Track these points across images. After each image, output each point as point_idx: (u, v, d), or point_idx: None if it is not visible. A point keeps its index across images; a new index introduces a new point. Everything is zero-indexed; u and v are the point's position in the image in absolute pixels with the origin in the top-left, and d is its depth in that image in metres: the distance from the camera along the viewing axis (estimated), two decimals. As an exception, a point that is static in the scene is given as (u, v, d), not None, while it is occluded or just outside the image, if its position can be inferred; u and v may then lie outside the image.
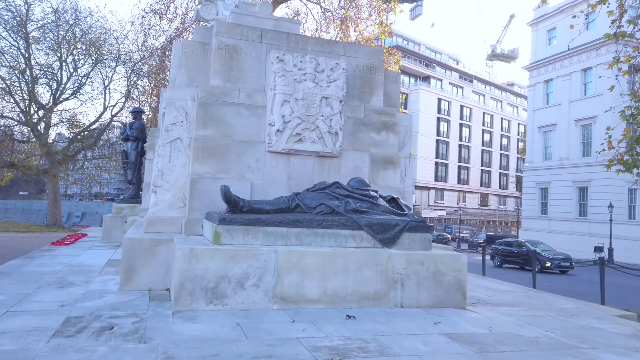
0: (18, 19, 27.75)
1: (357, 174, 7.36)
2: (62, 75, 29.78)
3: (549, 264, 23.14)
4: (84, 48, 29.45)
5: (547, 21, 40.73)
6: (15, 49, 28.40)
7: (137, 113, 15.39)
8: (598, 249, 31.29)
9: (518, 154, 78.50)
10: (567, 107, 37.57)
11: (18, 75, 28.23)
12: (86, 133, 31.54)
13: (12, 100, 28.31)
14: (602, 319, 6.23)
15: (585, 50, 35.79)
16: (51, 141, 31.38)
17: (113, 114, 30.98)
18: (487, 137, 76.33)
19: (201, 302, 5.30)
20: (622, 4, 8.92)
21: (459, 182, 72.08)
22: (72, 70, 30.03)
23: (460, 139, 72.18)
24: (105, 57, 30.30)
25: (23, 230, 24.53)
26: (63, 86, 29.92)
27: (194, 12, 15.97)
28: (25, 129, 31.09)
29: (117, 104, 31.50)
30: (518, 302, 7.20)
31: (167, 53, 26.31)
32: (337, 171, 7.41)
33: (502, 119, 79.44)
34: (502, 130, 78.87)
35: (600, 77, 19.81)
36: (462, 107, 72.82)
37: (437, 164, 68.40)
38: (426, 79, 72.78)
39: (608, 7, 9.16)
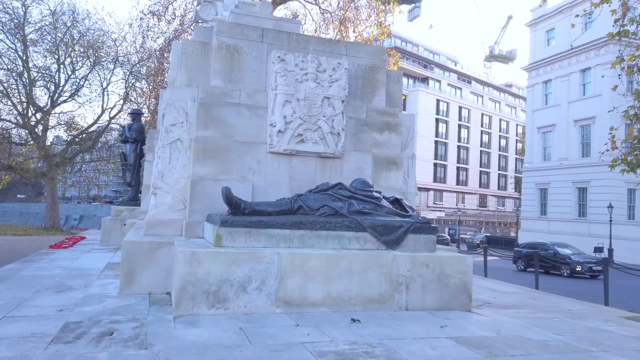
0: (15, 21, 27.62)
1: (359, 174, 7.27)
2: (59, 77, 29.68)
3: (579, 268, 21.93)
4: (82, 50, 29.33)
5: (546, 22, 40.73)
6: (13, 51, 28.29)
7: (136, 114, 15.26)
8: (598, 249, 31.27)
9: (516, 154, 78.52)
10: (566, 108, 37.54)
11: (15, 78, 28.10)
12: (84, 135, 31.38)
13: (9, 103, 28.17)
14: (610, 321, 6.14)
15: (584, 51, 35.79)
16: (49, 143, 31.22)
17: (111, 116, 30.86)
18: (485, 137, 76.33)
19: (202, 306, 5.19)
20: (625, 3, 8.84)
21: (458, 183, 72.04)
22: (69, 72, 29.92)
23: (459, 140, 72.17)
24: (103, 59, 30.20)
25: (20, 233, 24.38)
26: (61, 88, 29.80)
27: (192, 13, 15.88)
28: (23, 131, 30.93)
29: (115, 105, 31.39)
30: (523, 303, 7.11)
31: (165, 54, 26.19)
32: (339, 172, 7.31)
33: (500, 119, 79.47)
34: (500, 131, 78.89)
35: (603, 77, 19.71)
36: (460, 108, 72.82)
37: (435, 164, 68.35)
38: (424, 80, 72.77)
39: (609, 5, 9.09)
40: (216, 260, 5.27)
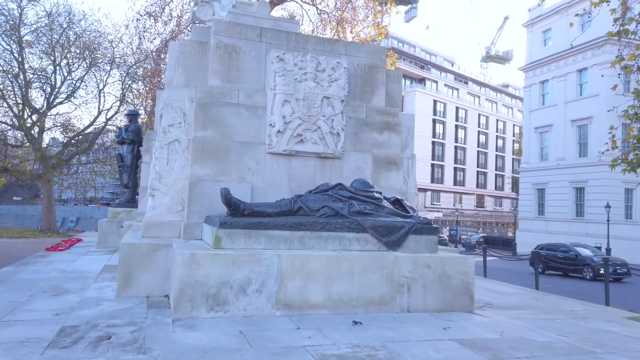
0: (11, 22, 27.44)
1: (359, 175, 7.20)
2: (55, 78, 29.47)
3: (603, 270, 20.93)
4: (78, 51, 29.14)
5: (542, 22, 40.77)
6: (8, 52, 28.09)
7: (133, 115, 15.17)
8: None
9: (513, 154, 78.63)
10: (563, 108, 37.57)
11: (11, 79, 27.90)
12: (80, 137, 31.18)
13: (5, 104, 27.96)
14: (613, 322, 6.09)
15: (581, 51, 35.83)
16: (45, 145, 31.05)
17: (107, 117, 30.67)
18: (482, 138, 76.41)
19: (202, 308, 5.11)
20: (625, 2, 8.80)
21: (455, 184, 72.06)
22: (65, 74, 29.72)
23: (456, 140, 72.21)
24: (100, 61, 30.00)
25: (17, 235, 24.19)
26: (57, 90, 29.60)
27: (189, 13, 15.77)
28: (19, 133, 30.73)
29: (111, 107, 31.18)
30: (525, 304, 7.05)
31: (162, 56, 26.06)
32: (339, 172, 7.24)
33: (497, 120, 79.59)
34: (497, 131, 78.99)
35: (602, 76, 19.66)
36: (457, 108, 72.88)
37: (432, 165, 68.36)
38: (421, 80, 72.80)
39: (608, 4, 9.04)
40: (215, 262, 5.19)
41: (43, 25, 28.79)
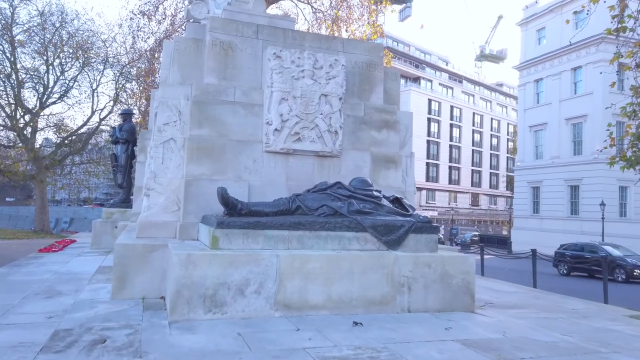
0: (3, 22, 27.14)
1: (357, 173, 7.11)
2: (48, 78, 29.17)
3: (637, 272, 19.57)
4: (71, 51, 28.86)
5: (536, 21, 40.85)
6: (0, 52, 27.79)
7: (127, 114, 14.98)
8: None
9: (508, 153, 78.81)
10: (557, 106, 37.65)
11: (3, 79, 27.59)
12: (74, 137, 30.90)
13: (-3, 105, 27.67)
14: (615, 320, 6.02)
15: (575, 49, 35.88)
16: (38, 146, 30.76)
17: (101, 117, 30.41)
18: (477, 137, 76.55)
19: (199, 310, 5.00)
20: (623, -1, 8.76)
21: (450, 182, 72.18)
22: (58, 74, 29.42)
23: (451, 139, 72.31)
24: (93, 60, 29.73)
25: (9, 236, 23.93)
26: (49, 90, 29.30)
27: (184, 11, 15.62)
28: (11, 133, 30.41)
29: (105, 107, 30.96)
30: (526, 303, 6.98)
31: (156, 55, 25.88)
32: (337, 171, 7.15)
33: (492, 118, 79.75)
34: (491, 130, 79.16)
35: (601, 73, 19.66)
36: (452, 107, 72.97)
37: (427, 164, 68.41)
38: (416, 79, 72.85)
39: (605, 1, 8.99)
40: (213, 262, 5.08)
41: (35, 24, 28.50)
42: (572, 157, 36.29)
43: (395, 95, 8.22)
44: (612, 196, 33.67)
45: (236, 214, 5.78)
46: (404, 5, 71.97)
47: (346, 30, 23.44)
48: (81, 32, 29.78)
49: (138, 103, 28.56)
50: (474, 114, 76.47)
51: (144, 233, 6.48)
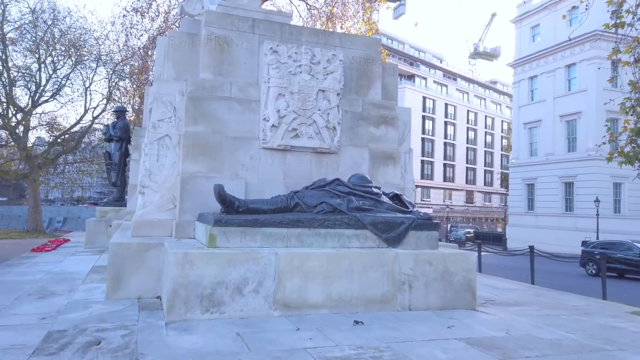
0: (-7, 19, 26.82)
1: (356, 170, 7.01)
2: (40, 76, 28.85)
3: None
4: (63, 49, 28.56)
5: (531, 18, 40.88)
6: (-9, 50, 27.45)
7: (120, 112, 14.81)
8: (585, 244, 31.42)
9: (502, 150, 79.02)
10: (552, 103, 37.71)
11: (-6, 78, 27.28)
12: (66, 136, 30.61)
13: (-12, 103, 27.34)
14: (617, 317, 5.96)
15: (569, 46, 35.94)
16: (30, 145, 30.44)
17: (94, 115, 30.14)
18: (471, 134, 76.66)
19: (196, 310, 4.89)
20: (622, -7, 8.71)
21: (445, 180, 72.26)
22: (50, 72, 29.11)
23: (445, 137, 72.37)
24: (85, 58, 29.44)
25: (2, 236, 23.67)
26: (42, 88, 28.99)
27: (178, 7, 15.45)
28: (3, 132, 30.08)
29: (98, 105, 30.77)
30: (527, 300, 6.91)
31: (149, 52, 25.67)
32: (336, 168, 7.04)
33: (486, 116, 79.89)
34: (485, 128, 79.30)
35: (599, 68, 19.65)
36: (446, 105, 73.01)
37: (422, 161, 68.45)
38: (410, 77, 72.83)
39: (603, -3, 8.94)
40: (210, 261, 4.97)
41: (27, 22, 28.17)
42: (566, 154, 36.38)
43: (393, 91, 8.13)
44: (606, 193, 33.78)
45: (233, 211, 5.67)
46: (398, 3, 71.86)
47: (341, 28, 23.34)
48: (73, 30, 29.49)
49: (131, 101, 28.33)
50: (468, 111, 76.56)
51: (139, 232, 6.35)
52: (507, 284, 8.81)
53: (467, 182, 75.79)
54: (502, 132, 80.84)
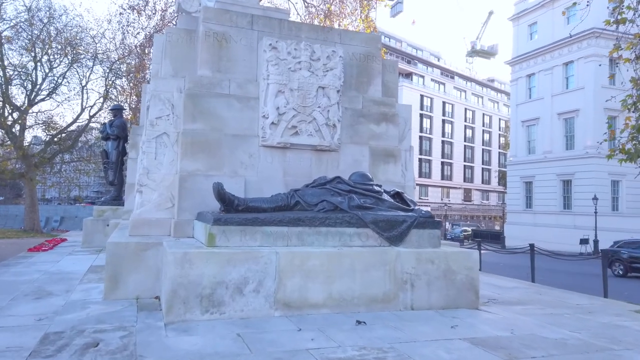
0: (-12, 17, 26.64)
1: (356, 168, 6.93)
2: (36, 75, 28.66)
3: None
4: (59, 47, 28.39)
5: (528, 15, 40.84)
6: (-13, 48, 27.26)
7: (117, 110, 14.69)
8: (583, 241, 31.45)
9: (500, 148, 79.05)
10: (550, 101, 37.69)
11: (-10, 76, 27.09)
12: (63, 135, 30.45)
13: (-16, 102, 27.15)
14: (621, 315, 5.91)
15: (567, 44, 35.91)
16: (27, 144, 30.24)
17: (91, 114, 29.98)
18: (469, 132, 76.67)
19: (196, 310, 4.81)
20: (623, -11, 8.64)
21: (443, 178, 72.25)
22: (47, 70, 28.94)
23: (443, 135, 72.36)
24: (82, 56, 29.28)
25: (-1, 236, 23.53)
26: (38, 87, 28.81)
27: (175, 5, 15.35)
28: (-1, 131, 29.91)
29: (94, 104, 30.49)
30: (529, 299, 6.85)
31: (146, 50, 25.55)
32: (336, 165, 6.96)
33: (484, 114, 79.91)
34: (483, 126, 79.32)
35: (600, 65, 19.61)
36: (444, 103, 72.99)
37: (420, 160, 68.41)
38: (408, 75, 72.75)
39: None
40: (210, 261, 4.89)
41: (23, 20, 27.99)
42: (564, 152, 36.37)
43: (393, 88, 8.06)
44: (604, 190, 33.79)
45: (233, 210, 5.59)
46: (396, 0, 71.77)
47: (339, 25, 23.20)
48: (70, 28, 29.33)
49: (128, 100, 28.19)
50: (465, 109, 76.56)
51: (137, 231, 6.26)
52: (508, 282, 8.75)
53: (464, 181, 75.81)
54: (499, 130, 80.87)
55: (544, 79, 38.57)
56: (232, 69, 6.79)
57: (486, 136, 79.77)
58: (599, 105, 33.60)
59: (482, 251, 14.69)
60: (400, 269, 5.53)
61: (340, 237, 5.61)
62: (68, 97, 45.22)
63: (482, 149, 78.76)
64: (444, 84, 77.24)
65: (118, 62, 28.99)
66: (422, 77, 74.38)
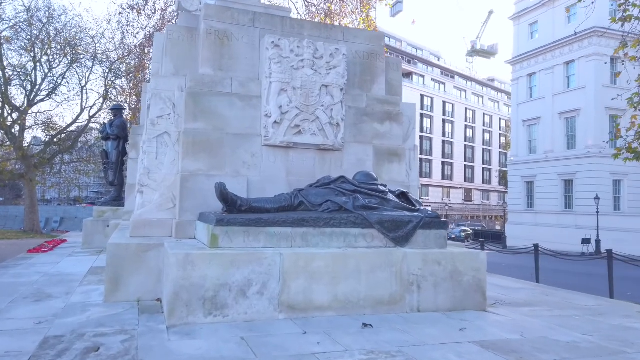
0: (-13, 18, 26.53)
1: (360, 167, 6.82)
2: (36, 75, 28.57)
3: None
4: (59, 47, 28.30)
5: (529, 15, 40.74)
6: (-14, 49, 27.14)
7: (117, 110, 14.58)
8: (585, 241, 31.34)
9: (500, 148, 79.00)
10: (551, 100, 37.59)
11: (-11, 77, 26.98)
12: (63, 135, 30.35)
13: (-17, 103, 27.04)
14: (630, 317, 5.80)
15: (568, 43, 35.84)
16: (26, 144, 30.14)
17: (90, 115, 29.89)
18: (469, 132, 76.64)
19: (199, 313, 4.70)
20: (629, -14, 8.54)
21: (443, 178, 72.21)
22: (46, 71, 28.85)
23: (443, 135, 72.33)
24: (81, 57, 29.19)
25: (-2, 237, 23.42)
26: (37, 87, 28.72)
27: (175, 4, 15.25)
28: (-1, 132, 29.79)
29: (94, 104, 30.39)
30: (536, 300, 6.74)
31: (145, 50, 25.45)
32: (339, 165, 6.86)
33: (484, 114, 79.88)
34: (483, 125, 79.29)
35: (605, 63, 19.51)
36: (444, 102, 72.97)
37: (421, 160, 68.30)
38: (408, 75, 72.65)
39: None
40: (213, 262, 4.78)
41: (22, 20, 27.90)
42: (565, 152, 36.27)
43: (397, 86, 7.95)
44: (606, 190, 33.67)
45: (236, 210, 5.49)
46: (396, 0, 71.66)
47: (339, 25, 23.14)
48: (69, 28, 29.25)
49: (128, 100, 28.10)
50: (466, 109, 76.54)
51: (138, 232, 6.16)
52: (514, 283, 8.64)
53: (465, 180, 75.77)
54: (500, 129, 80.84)
55: (545, 78, 38.47)
56: (234, 67, 6.69)
57: (487, 136, 79.73)
58: (600, 104, 33.52)
59: (484, 251, 14.60)
60: (407, 270, 5.42)
61: (345, 238, 5.51)
62: (68, 97, 45.23)
63: (483, 149, 78.73)
64: (444, 83, 77.19)
65: (118, 62, 28.90)
66: (423, 76, 74.34)
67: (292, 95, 6.53)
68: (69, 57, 28.70)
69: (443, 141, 72.09)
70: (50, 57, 28.75)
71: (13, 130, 27.79)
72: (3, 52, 27.26)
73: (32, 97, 28.54)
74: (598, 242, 30.87)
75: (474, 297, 5.66)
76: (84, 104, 29.77)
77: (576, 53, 35.75)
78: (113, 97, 29.53)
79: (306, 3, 24.11)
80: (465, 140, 75.81)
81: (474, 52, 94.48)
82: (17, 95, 30.79)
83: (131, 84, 27.61)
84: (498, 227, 58.88)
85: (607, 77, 33.89)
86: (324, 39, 7.03)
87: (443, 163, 72.06)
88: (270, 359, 3.75)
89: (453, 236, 44.58)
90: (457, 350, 4.09)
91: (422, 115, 69.08)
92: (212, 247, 5.04)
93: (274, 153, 6.56)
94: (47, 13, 28.77)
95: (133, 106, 26.77)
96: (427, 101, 70.43)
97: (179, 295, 4.66)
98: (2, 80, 27.02)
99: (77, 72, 29.83)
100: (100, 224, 11.98)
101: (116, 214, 11.91)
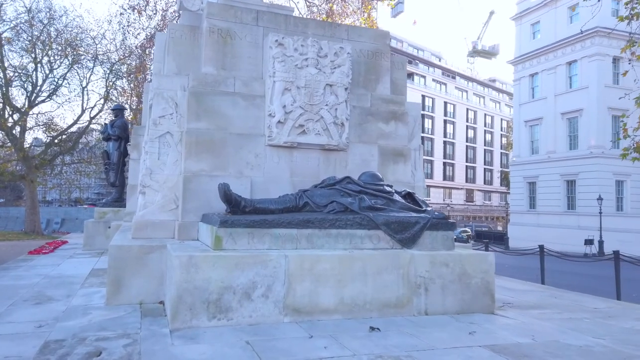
0: (-12, 19, 26.48)
1: (365, 168, 6.72)
2: (36, 76, 28.52)
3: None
4: (60, 48, 28.25)
5: (531, 15, 40.63)
6: (-13, 50, 27.08)
7: (119, 110, 14.49)
8: (588, 242, 31.19)
9: (501, 149, 78.86)
10: (553, 101, 37.47)
11: (-10, 78, 26.91)
12: (64, 136, 30.29)
13: (-16, 104, 26.98)
14: (642, 320, 5.69)
15: (570, 43, 35.73)
16: (27, 145, 30.08)
17: (91, 116, 29.83)
18: (470, 132, 76.53)
19: (202, 317, 4.60)
20: (636, -16, 8.44)
21: (445, 179, 72.10)
22: (47, 72, 28.79)
23: (445, 135, 72.23)
24: (82, 57, 29.13)
25: (-1, 238, 23.34)
26: (38, 88, 28.66)
27: (176, 4, 15.17)
28: (0, 133, 29.73)
29: (95, 105, 30.33)
30: (545, 303, 6.63)
31: (147, 51, 25.37)
32: (344, 165, 6.76)
33: (485, 114, 79.77)
34: (485, 126, 79.17)
35: (613, 62, 19.29)
36: (445, 103, 72.88)
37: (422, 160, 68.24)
38: (409, 75, 72.49)
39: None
40: (217, 265, 4.68)
41: (23, 21, 27.85)
42: (568, 152, 36.15)
43: (402, 86, 7.85)
44: (608, 190, 33.54)
45: (239, 211, 5.39)
46: (397, 1, 71.55)
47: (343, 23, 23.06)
48: (70, 29, 29.19)
49: (129, 100, 28.03)
50: (467, 109, 76.45)
51: (140, 233, 6.06)
52: (520, 284, 8.54)
53: (466, 181, 75.65)
54: (501, 130, 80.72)
55: (547, 78, 38.35)
56: (237, 66, 6.60)
57: (488, 136, 79.60)
58: (602, 104, 33.41)
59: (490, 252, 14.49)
60: (414, 272, 5.32)
61: (351, 240, 5.40)
62: (68, 98, 45.20)
63: (484, 149, 78.60)
64: (445, 84, 77.09)
65: (119, 63, 28.83)
66: (424, 77, 74.25)
67: (296, 95, 6.43)
68: (69, 58, 28.64)
69: (444, 142, 71.99)
70: (51, 58, 28.70)
71: (14, 132, 27.73)
72: (4, 53, 27.21)
73: (33, 98, 28.47)
74: (601, 242, 30.73)
75: (482, 300, 5.55)
76: (84, 105, 29.71)
77: (578, 53, 35.63)
78: (114, 98, 29.46)
79: (308, 3, 24.03)
80: (467, 141, 75.70)
81: (475, 52, 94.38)
82: (18, 96, 30.80)
83: (132, 85, 27.52)
84: (500, 228, 58.73)
85: (610, 77, 33.80)
86: (328, 38, 6.93)
87: (444, 164, 71.94)
88: (277, 364, 3.65)
89: (454, 237, 44.33)
90: (468, 355, 3.98)
91: (423, 116, 68.93)
92: (215, 249, 4.95)
93: (278, 153, 6.46)
94: (48, 14, 28.72)
95: (134, 107, 26.69)
96: (428, 102, 70.32)
97: (182, 298, 4.56)
98: (3, 81, 26.96)
99: (78, 73, 29.79)
100: (101, 225, 11.89)
101: (117, 215, 11.82)
